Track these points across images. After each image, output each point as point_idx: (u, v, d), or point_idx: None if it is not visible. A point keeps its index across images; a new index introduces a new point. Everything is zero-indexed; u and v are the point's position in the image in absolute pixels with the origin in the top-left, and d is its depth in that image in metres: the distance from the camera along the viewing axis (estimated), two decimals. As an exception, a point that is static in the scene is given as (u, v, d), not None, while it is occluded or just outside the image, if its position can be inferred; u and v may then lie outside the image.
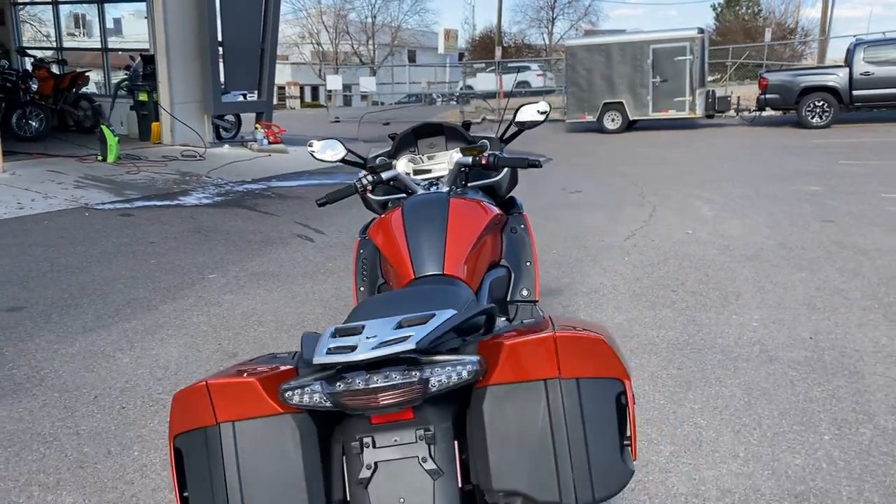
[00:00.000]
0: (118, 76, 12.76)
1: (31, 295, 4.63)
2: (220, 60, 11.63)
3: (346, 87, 32.86)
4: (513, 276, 2.64)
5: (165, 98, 11.29)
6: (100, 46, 13.09)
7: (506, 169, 2.88)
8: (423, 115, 24.22)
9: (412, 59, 45.18)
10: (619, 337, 4.22)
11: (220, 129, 13.40)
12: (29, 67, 13.00)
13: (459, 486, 1.44)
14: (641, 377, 3.51)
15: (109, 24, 13.23)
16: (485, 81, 26.94)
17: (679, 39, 15.78)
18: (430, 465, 1.42)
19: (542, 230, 6.72)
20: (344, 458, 1.46)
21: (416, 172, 2.90)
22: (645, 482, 2.63)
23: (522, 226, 2.76)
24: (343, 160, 2.87)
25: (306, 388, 1.36)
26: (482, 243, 2.43)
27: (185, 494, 1.44)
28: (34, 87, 11.62)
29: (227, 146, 12.23)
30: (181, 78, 11.34)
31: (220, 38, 11.44)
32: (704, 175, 9.88)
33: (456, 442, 1.46)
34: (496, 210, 2.59)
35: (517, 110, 2.97)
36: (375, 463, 1.42)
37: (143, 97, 11.57)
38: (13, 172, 8.57)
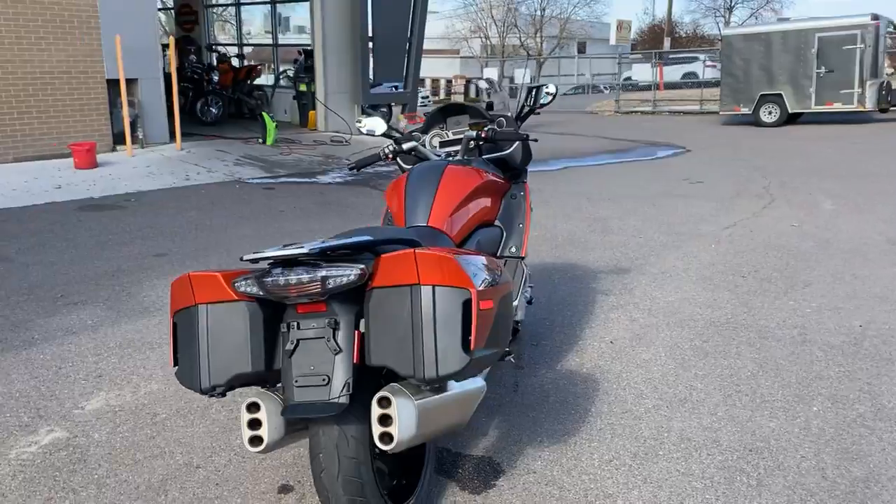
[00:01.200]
0: (287, 69, 14.20)
1: (175, 246, 5.63)
2: (371, 54, 12.62)
3: (511, 79, 33.52)
4: (504, 235, 3.02)
5: (321, 89, 12.49)
6: (271, 42, 14.67)
7: (516, 144, 3.25)
8: (578, 104, 24.26)
9: (581, 50, 44.95)
10: (651, 312, 4.35)
11: (372, 119, 14.50)
12: (214, 62, 14.86)
13: (354, 360, 1.90)
14: (662, 346, 3.72)
15: (282, 23, 14.77)
16: (642, 72, 26.36)
17: (849, 27, 14.65)
18: (332, 344, 1.90)
19: (640, 216, 6.86)
20: (281, 336, 1.98)
21: (443, 145, 3.34)
22: (615, 425, 2.91)
23: (522, 193, 3.12)
24: (384, 134, 3.38)
25: (247, 281, 1.89)
26: (470, 203, 2.84)
27: (177, 356, 2.03)
28: (216, 78, 13.32)
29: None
30: (335, 71, 12.47)
31: (370, 34, 12.43)
32: (846, 170, 9.32)
33: (357, 330, 1.93)
34: (492, 177, 2.98)
35: (529, 92, 3.34)
36: (297, 340, 1.93)
37: (302, 88, 12.87)
38: (188, 150, 10.02)
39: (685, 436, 2.80)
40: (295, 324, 1.93)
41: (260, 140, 11.03)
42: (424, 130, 3.45)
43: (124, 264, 5.17)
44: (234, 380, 1.97)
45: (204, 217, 6.60)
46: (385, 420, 1.85)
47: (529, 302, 3.52)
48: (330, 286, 1.84)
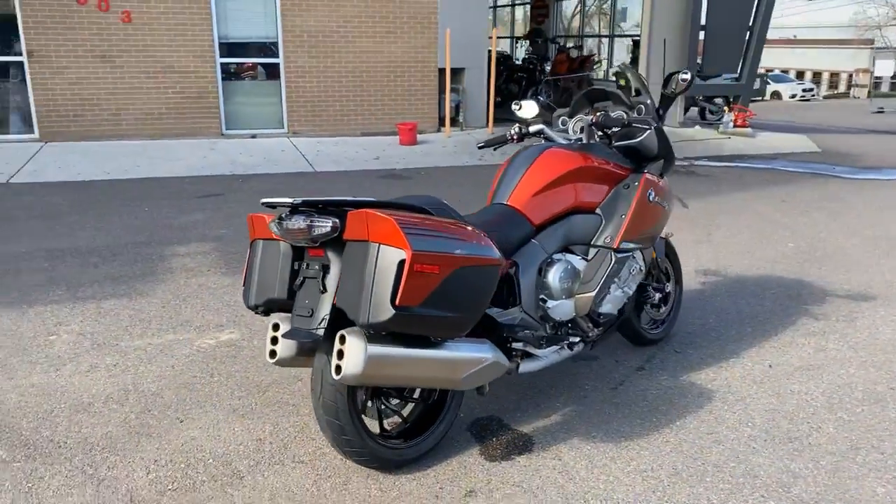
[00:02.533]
0: (620, 63, 14.29)
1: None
2: (701, 45, 12.02)
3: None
4: (603, 223, 2.98)
5: (642, 79, 12.35)
6: (608, 34, 14.86)
7: (647, 133, 3.15)
8: None
9: None
10: (853, 346, 3.75)
11: (706, 111, 13.84)
12: (553, 53, 15.65)
13: (334, 301, 2.25)
14: (828, 383, 3.25)
15: (619, 14, 14.84)
16: None
17: None
18: (320, 285, 2.28)
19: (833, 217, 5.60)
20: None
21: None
22: (679, 450, 2.75)
23: (636, 184, 3.03)
24: (536, 117, 3.52)
25: (272, 223, 2.37)
26: (561, 186, 2.90)
27: (245, 275, 2.61)
28: (548, 68, 14.07)
29: (697, 127, 12.67)
30: (659, 61, 12.20)
31: (702, 21, 11.83)
32: None
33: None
34: (602, 164, 2.97)
35: (666, 79, 3.19)
36: (304, 277, 2.35)
37: (622, 82, 12.84)
38: (495, 134, 10.94)
39: (664, 366, 2.52)
40: (305, 264, 2.35)
41: (567, 128, 11.46)
42: (571, 115, 3.51)
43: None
44: (269, 303, 2.47)
45: (467, 193, 7.29)
46: (340, 355, 2.18)
47: (650, 302, 3.37)
48: (314, 233, 2.22)
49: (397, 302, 2.07)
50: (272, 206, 2.27)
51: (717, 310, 4.21)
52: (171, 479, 2.50)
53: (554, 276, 2.93)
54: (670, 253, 3.78)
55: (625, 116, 3.19)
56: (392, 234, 2.09)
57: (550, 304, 2.92)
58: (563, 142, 3.28)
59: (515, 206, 2.92)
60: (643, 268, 3.23)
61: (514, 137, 3.32)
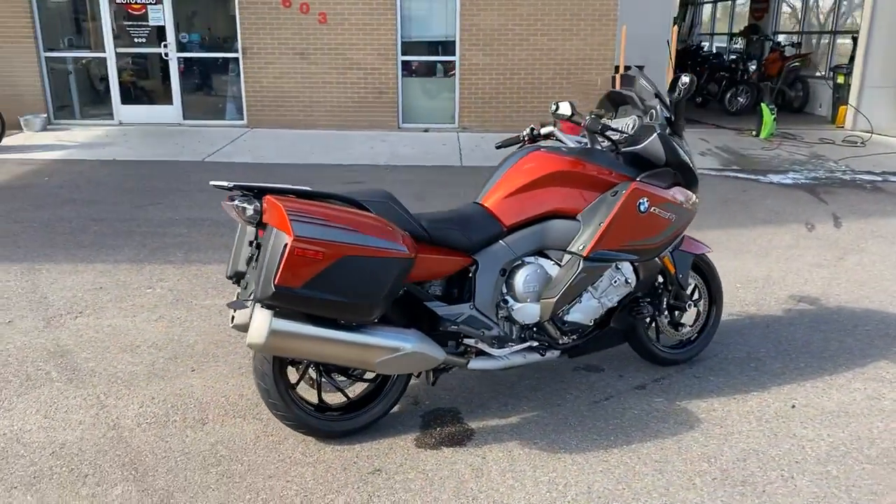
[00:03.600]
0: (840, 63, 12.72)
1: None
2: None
3: None
4: (581, 229, 2.92)
5: (856, 81, 10.91)
6: (830, 30, 13.20)
7: (651, 138, 3.02)
8: None
9: None
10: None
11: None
12: (766, 51, 14.32)
13: None
14: (854, 433, 2.90)
15: (842, 8, 13.11)
16: None
17: None
18: (254, 261, 2.57)
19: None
20: None
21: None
22: (627, 476, 2.65)
23: (622, 192, 2.91)
24: (567, 118, 3.45)
25: (223, 204, 2.71)
26: (538, 189, 2.90)
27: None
28: (752, 67, 12.97)
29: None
30: (879, 60, 10.70)
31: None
32: None
33: None
34: (589, 169, 2.92)
35: (671, 84, 3.00)
36: (251, 254, 2.66)
37: (840, 79, 11.46)
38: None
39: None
40: (255, 242, 2.66)
41: (753, 133, 10.52)
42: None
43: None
44: (237, 275, 2.82)
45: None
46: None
47: (644, 316, 3.20)
48: (245, 215, 2.51)
49: (275, 281, 2.30)
50: (219, 187, 2.61)
51: (780, 339, 3.81)
52: (152, 416, 2.97)
53: (520, 279, 2.94)
54: (705, 271, 3.52)
55: (631, 122, 3.07)
56: (281, 219, 2.32)
57: (515, 305, 2.94)
58: (573, 145, 3.23)
59: (487, 205, 2.97)
60: (630, 280, 3.09)
61: (526, 139, 3.33)
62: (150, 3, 10.58)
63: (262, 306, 2.44)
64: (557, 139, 3.29)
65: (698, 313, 3.56)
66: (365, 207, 2.62)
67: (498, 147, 3.46)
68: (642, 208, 2.99)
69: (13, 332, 3.75)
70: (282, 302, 2.35)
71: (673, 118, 3.16)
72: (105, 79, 10.88)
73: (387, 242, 2.44)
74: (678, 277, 3.35)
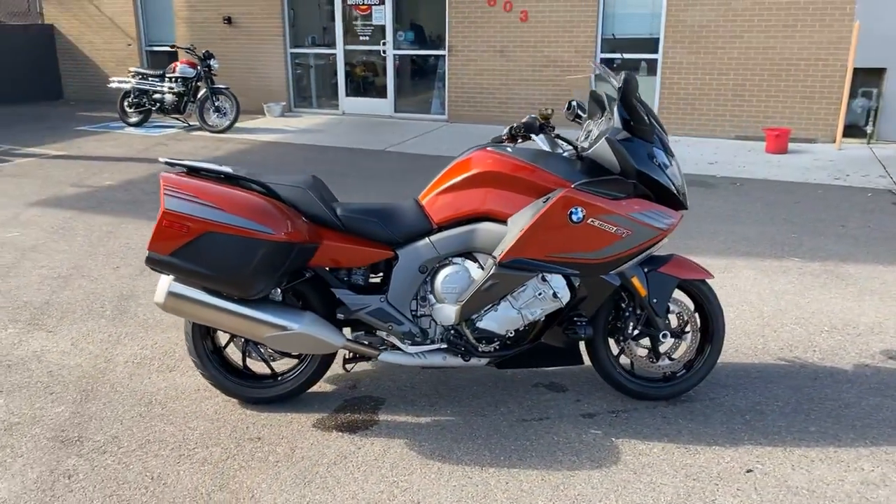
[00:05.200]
0: None
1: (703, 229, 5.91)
2: None
3: None
4: (508, 234, 2.80)
5: None
6: None
7: (599, 143, 2.81)
8: None
9: None
10: None
11: None
12: None
13: None
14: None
15: None
16: None
17: None
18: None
19: None
20: None
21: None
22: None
23: (552, 198, 2.73)
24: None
25: None
26: (469, 189, 2.85)
27: None
28: None
29: None
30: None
31: None
32: None
33: None
34: (524, 174, 2.79)
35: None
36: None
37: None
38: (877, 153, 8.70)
39: None
40: None
41: None
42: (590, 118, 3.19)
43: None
44: None
45: (766, 217, 6.33)
46: (165, 286, 2.80)
47: (576, 336, 2.90)
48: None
49: (147, 247, 2.58)
50: (170, 164, 2.95)
51: (814, 397, 3.17)
52: (140, 357, 3.47)
53: (440, 278, 2.89)
54: (701, 300, 3.07)
55: (596, 126, 2.83)
56: (160, 193, 2.59)
57: (435, 305, 2.90)
58: (546, 148, 3.05)
59: (421, 201, 2.95)
60: (561, 295, 2.83)
61: (504, 137, 3.19)
62: (375, 4, 11.62)
63: (164, 270, 2.76)
64: (556, 134, 3.09)
65: (687, 346, 3.12)
66: (274, 192, 2.80)
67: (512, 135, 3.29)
68: (575, 218, 2.73)
69: (114, 276, 4.58)
70: (155, 267, 2.63)
71: (632, 121, 2.81)
72: (335, 73, 12.23)
73: (253, 223, 2.59)
74: (651, 302, 2.97)
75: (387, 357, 2.92)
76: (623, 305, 3.06)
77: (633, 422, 2.96)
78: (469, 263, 2.90)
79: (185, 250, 2.59)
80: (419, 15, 11.74)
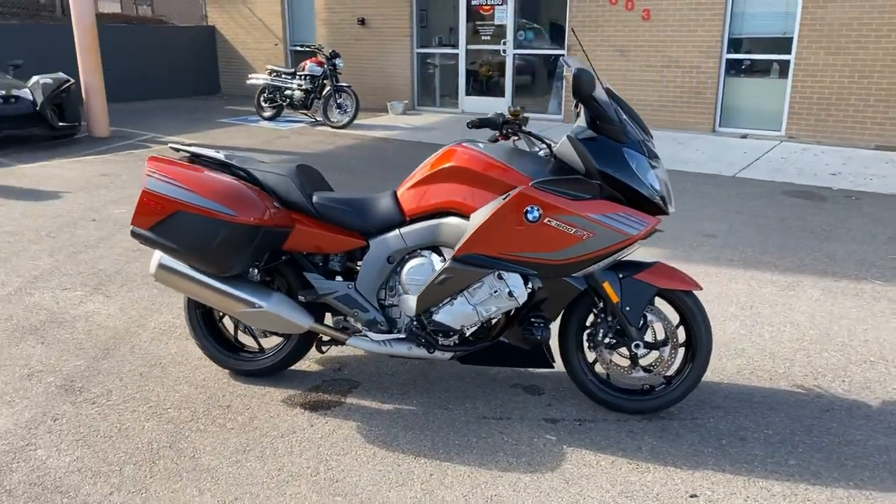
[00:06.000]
0: None
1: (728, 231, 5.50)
2: None
3: None
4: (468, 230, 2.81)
5: None
6: None
7: (561, 142, 2.78)
8: None
9: None
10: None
11: None
12: None
13: None
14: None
15: None
16: None
17: None
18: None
19: None
20: None
21: None
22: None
23: (509, 196, 2.71)
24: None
25: None
26: (436, 184, 2.89)
27: None
28: None
29: None
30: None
31: None
32: None
33: None
34: (489, 171, 2.79)
35: None
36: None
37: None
38: None
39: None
40: None
41: None
42: None
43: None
44: None
45: (866, 235, 5.72)
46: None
47: (535, 338, 2.82)
48: None
49: (130, 222, 2.85)
50: (176, 149, 3.24)
51: (813, 428, 2.88)
52: (169, 325, 3.82)
53: (405, 270, 2.94)
54: (686, 312, 2.88)
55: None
56: (144, 175, 2.85)
57: (402, 295, 2.96)
58: (523, 146, 3.01)
59: (397, 193, 3.01)
60: (517, 294, 2.78)
61: (498, 135, 3.10)
62: (497, 4, 11.70)
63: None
64: (527, 132, 3.05)
65: (664, 360, 2.93)
66: (255, 178, 2.99)
67: (469, 127, 3.29)
68: (530, 217, 2.68)
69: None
70: (137, 239, 2.90)
71: (597, 120, 2.70)
72: (458, 72, 12.45)
73: (218, 205, 2.77)
74: (624, 310, 2.84)
75: (354, 342, 3.02)
76: (595, 311, 2.95)
77: (594, 432, 2.85)
78: (434, 257, 2.93)
79: (160, 226, 2.84)
80: (540, 14, 11.66)
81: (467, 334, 2.95)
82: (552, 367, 3.02)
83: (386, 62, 13.04)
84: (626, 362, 3.00)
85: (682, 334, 2.98)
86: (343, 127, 10.85)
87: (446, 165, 2.87)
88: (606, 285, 2.84)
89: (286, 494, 2.43)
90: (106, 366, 3.34)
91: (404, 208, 2.95)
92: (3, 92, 8.74)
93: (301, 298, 3.04)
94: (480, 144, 2.92)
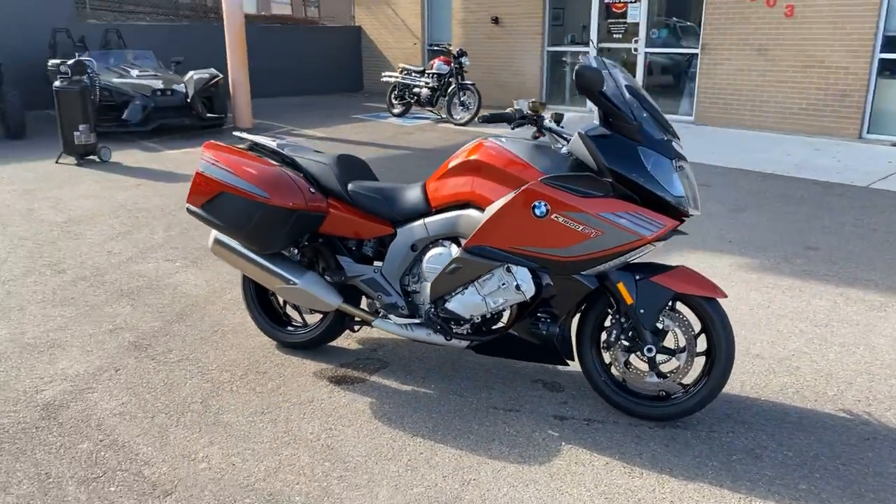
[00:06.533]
0: None
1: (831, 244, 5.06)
2: None
3: None
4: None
5: None
6: None
7: (573, 139, 2.79)
8: None
9: None
10: None
11: None
12: None
13: None
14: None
15: None
16: None
17: None
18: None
19: None
20: None
21: None
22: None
23: (519, 192, 2.76)
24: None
25: None
26: (457, 177, 3.02)
27: None
28: None
29: None
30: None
31: None
32: None
33: None
34: (505, 166, 2.86)
35: None
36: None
37: None
38: None
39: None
40: None
41: None
42: None
43: None
44: None
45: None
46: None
47: (541, 333, 2.83)
48: None
49: (186, 200, 3.17)
50: (239, 137, 3.54)
51: (840, 456, 2.66)
52: (238, 296, 4.18)
53: (426, 258, 3.06)
54: (707, 320, 2.77)
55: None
56: (199, 159, 3.16)
57: (422, 283, 3.09)
58: (551, 141, 3.02)
59: (426, 185, 3.13)
60: (525, 288, 2.80)
61: (517, 116, 3.07)
62: (631, 2, 11.40)
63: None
64: (547, 128, 3.05)
65: (679, 367, 2.82)
66: (299, 166, 3.23)
67: (481, 121, 3.30)
68: (538, 212, 2.70)
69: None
70: (192, 215, 3.22)
71: (610, 117, 2.65)
72: (587, 71, 12.27)
73: (255, 188, 3.01)
74: (638, 312, 2.77)
75: (379, 324, 3.18)
76: (610, 312, 2.90)
77: (600, 433, 2.81)
78: (454, 247, 3.01)
79: (208, 205, 3.15)
80: (675, 11, 11.22)
81: (478, 324, 3.01)
82: (566, 364, 3.01)
83: (516, 60, 13.11)
84: (644, 366, 2.93)
85: (704, 343, 2.86)
86: (464, 124, 11.07)
87: (470, 159, 2.95)
88: (621, 286, 2.79)
89: (282, 454, 2.63)
90: (176, 328, 3.74)
91: (430, 199, 3.07)
92: (163, 86, 9.81)
93: (327, 279, 3.25)
94: (504, 139, 2.97)
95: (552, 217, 2.69)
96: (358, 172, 3.34)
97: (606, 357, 2.99)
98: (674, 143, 2.77)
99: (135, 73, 10.18)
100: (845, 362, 3.40)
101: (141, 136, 9.94)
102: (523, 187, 2.73)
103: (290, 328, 3.55)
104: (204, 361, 3.38)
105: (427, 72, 11.54)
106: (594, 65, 2.71)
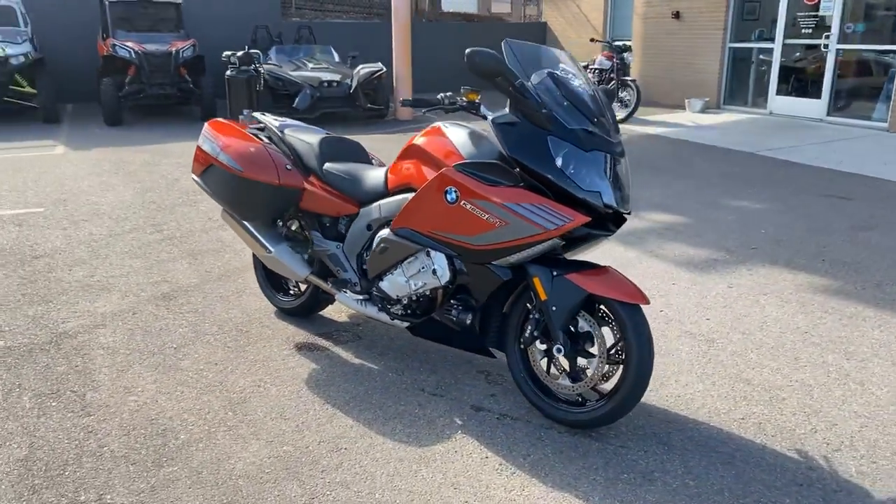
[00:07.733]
0: None
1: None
2: None
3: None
4: None
5: None
6: None
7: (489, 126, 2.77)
8: None
9: None
10: None
11: None
12: None
13: None
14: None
15: None
16: None
17: None
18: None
19: None
20: None
21: None
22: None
23: (435, 176, 2.81)
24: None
25: None
26: (406, 160, 3.13)
27: None
28: None
29: None
30: None
31: None
32: None
33: None
34: (436, 150, 2.91)
35: None
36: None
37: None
38: None
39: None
40: None
41: None
42: None
43: None
44: None
45: None
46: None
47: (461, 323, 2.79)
48: None
49: (192, 170, 3.56)
50: (253, 117, 3.86)
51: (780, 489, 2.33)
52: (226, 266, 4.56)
53: (375, 239, 3.15)
54: (621, 324, 2.57)
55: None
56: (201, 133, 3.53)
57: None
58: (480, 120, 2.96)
59: (389, 168, 3.22)
60: (440, 274, 2.80)
61: (446, 101, 2.93)
62: (824, -8, 10.18)
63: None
64: (483, 115, 2.95)
65: (593, 374, 2.62)
66: (289, 144, 3.47)
67: (403, 105, 3.22)
68: (449, 198, 2.68)
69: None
70: (196, 184, 3.60)
71: (518, 105, 2.53)
72: (769, 69, 11.19)
73: (233, 162, 3.29)
74: (550, 309, 2.64)
75: (340, 297, 3.34)
76: (529, 306, 2.78)
77: (503, 429, 2.73)
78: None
79: (203, 175, 3.52)
80: (877, 4, 9.81)
81: (412, 305, 3.05)
82: (487, 354, 2.94)
83: (694, 57, 12.31)
84: (565, 366, 2.77)
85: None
86: (622, 121, 10.68)
87: (413, 143, 3.00)
88: (536, 280, 2.68)
89: (201, 399, 2.92)
90: (208, 287, 4.21)
91: (388, 182, 3.16)
92: (330, 77, 10.69)
93: (316, 256, 3.46)
94: (452, 125, 2.97)
95: (461, 204, 2.67)
96: (345, 154, 3.51)
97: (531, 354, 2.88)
98: (601, 135, 2.59)
99: (311, 65, 11.21)
100: (848, 402, 2.91)
101: (308, 123, 10.93)
102: (438, 174, 2.73)
103: (285, 296, 3.84)
104: (209, 317, 3.78)
105: (590, 67, 11.29)
106: (488, 52, 2.61)
